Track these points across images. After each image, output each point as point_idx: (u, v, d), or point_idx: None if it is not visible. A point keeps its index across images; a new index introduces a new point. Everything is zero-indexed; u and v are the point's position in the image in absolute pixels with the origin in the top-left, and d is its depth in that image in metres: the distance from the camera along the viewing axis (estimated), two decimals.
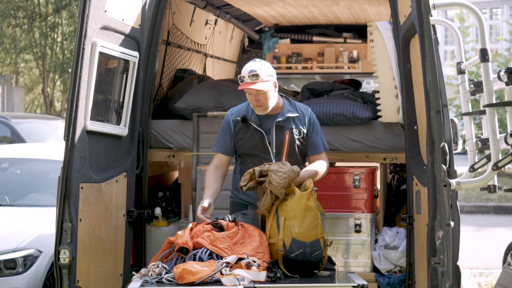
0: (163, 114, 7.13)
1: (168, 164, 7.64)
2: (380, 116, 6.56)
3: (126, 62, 6.20)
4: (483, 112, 5.87)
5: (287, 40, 10.02)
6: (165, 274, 5.13)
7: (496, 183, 5.88)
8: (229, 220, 5.43)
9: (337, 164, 7.09)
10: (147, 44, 6.59)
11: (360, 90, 7.82)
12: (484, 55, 5.67)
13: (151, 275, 5.13)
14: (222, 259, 5.15)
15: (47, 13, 21.57)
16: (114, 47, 5.92)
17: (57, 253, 5.43)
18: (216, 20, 8.79)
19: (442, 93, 5.96)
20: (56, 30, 21.77)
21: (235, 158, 5.87)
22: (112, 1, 5.81)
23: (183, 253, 5.20)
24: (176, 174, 7.82)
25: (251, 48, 10.15)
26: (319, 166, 5.70)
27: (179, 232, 5.32)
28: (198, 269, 5.00)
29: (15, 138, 13.88)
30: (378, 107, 6.55)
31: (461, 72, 6.44)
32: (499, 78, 5.63)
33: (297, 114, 5.75)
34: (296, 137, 5.72)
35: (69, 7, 21.10)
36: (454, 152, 6.33)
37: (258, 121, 5.71)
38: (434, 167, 5.07)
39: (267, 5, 8.48)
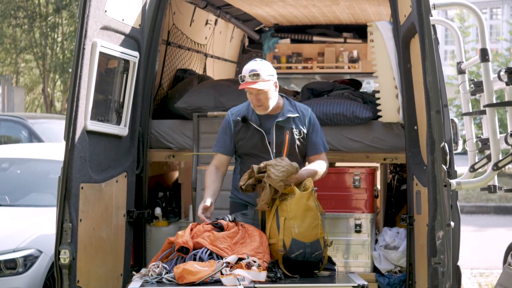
0: (163, 114, 7.13)
1: (168, 164, 7.63)
2: (380, 116, 6.56)
3: (126, 62, 6.20)
4: (483, 112, 5.86)
5: (287, 40, 10.01)
6: (165, 274, 5.12)
7: (497, 183, 5.88)
8: (229, 220, 5.43)
9: (337, 164, 7.09)
10: (147, 44, 6.59)
11: (360, 90, 7.81)
12: (484, 55, 5.66)
13: (151, 275, 5.13)
14: (222, 259, 5.14)
15: (48, 13, 21.57)
16: (114, 47, 5.92)
17: (57, 253, 5.43)
18: (216, 20, 8.79)
19: (442, 93, 5.95)
20: (56, 30, 21.77)
21: (235, 158, 5.87)
22: (112, 1, 5.81)
23: (183, 252, 5.20)
24: (176, 174, 7.82)
25: (251, 48, 10.14)
26: (318, 166, 5.70)
27: (179, 232, 5.32)
28: (199, 269, 5.00)
29: (33, 138, 13.94)
30: (378, 107, 6.55)
31: (461, 72, 6.43)
32: (499, 78, 5.62)
33: (297, 114, 5.75)
34: (296, 137, 5.72)
35: (69, 7, 21.10)
36: (454, 152, 6.32)
37: (258, 121, 5.70)
38: (434, 167, 5.07)
39: (267, 5, 8.47)
